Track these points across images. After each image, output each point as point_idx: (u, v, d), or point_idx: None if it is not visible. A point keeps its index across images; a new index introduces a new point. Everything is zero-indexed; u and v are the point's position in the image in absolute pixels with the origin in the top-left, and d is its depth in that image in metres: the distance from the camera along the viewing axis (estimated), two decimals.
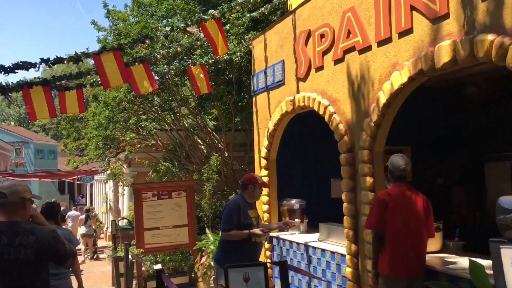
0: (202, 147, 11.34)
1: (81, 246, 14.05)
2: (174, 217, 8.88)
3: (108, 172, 14.66)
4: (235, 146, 11.06)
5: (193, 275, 8.85)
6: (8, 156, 28.52)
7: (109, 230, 17.66)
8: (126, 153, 10.24)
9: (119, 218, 13.83)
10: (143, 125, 9.45)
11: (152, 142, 10.42)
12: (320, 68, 5.68)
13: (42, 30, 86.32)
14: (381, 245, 4.01)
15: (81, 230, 14.47)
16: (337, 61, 5.34)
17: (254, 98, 7.64)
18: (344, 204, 5.06)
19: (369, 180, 4.71)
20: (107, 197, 19.38)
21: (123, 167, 11.84)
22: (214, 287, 6.71)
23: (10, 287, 2.65)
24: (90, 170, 18.59)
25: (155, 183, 10.16)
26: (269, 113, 7.07)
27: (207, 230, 8.03)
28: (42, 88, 5.78)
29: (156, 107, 10.62)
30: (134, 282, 8.45)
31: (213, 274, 6.65)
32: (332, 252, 5.34)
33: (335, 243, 5.46)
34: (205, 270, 6.76)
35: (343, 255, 5.12)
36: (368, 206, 4.65)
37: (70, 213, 16.78)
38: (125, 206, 15.35)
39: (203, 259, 6.75)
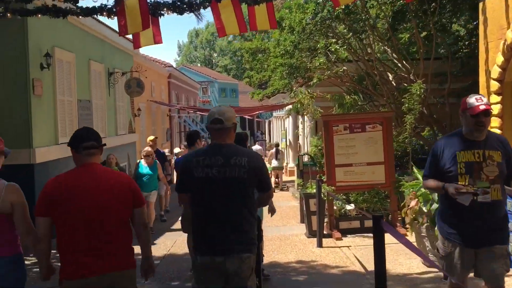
0: (390, 77, 9.82)
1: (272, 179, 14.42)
2: (369, 153, 7.89)
3: (289, 107, 14.20)
4: (430, 76, 9.23)
5: (390, 218, 7.84)
6: (196, 94, 30.78)
7: (289, 165, 17.63)
8: (314, 81, 9.36)
9: (301, 154, 13.44)
10: (333, 49, 8.37)
11: (344, 68, 9.30)
12: None
13: None
14: None
15: (273, 163, 15.09)
16: None
17: (481, 4, 5.89)
18: None
19: None
20: (286, 133, 19.29)
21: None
22: (425, 236, 5.59)
23: (227, 198, 2.91)
24: (271, 105, 18.58)
25: (347, 114, 9.20)
26: (506, 19, 5.32)
27: (414, 169, 6.79)
28: (231, 1, 5.12)
29: (342, 31, 9.43)
30: (325, 220, 7.81)
31: (426, 222, 5.52)
32: None
33: None
34: (414, 215, 5.63)
35: None
36: None
37: (254, 147, 17.25)
38: (307, 141, 14.91)
39: (413, 202, 5.61)
